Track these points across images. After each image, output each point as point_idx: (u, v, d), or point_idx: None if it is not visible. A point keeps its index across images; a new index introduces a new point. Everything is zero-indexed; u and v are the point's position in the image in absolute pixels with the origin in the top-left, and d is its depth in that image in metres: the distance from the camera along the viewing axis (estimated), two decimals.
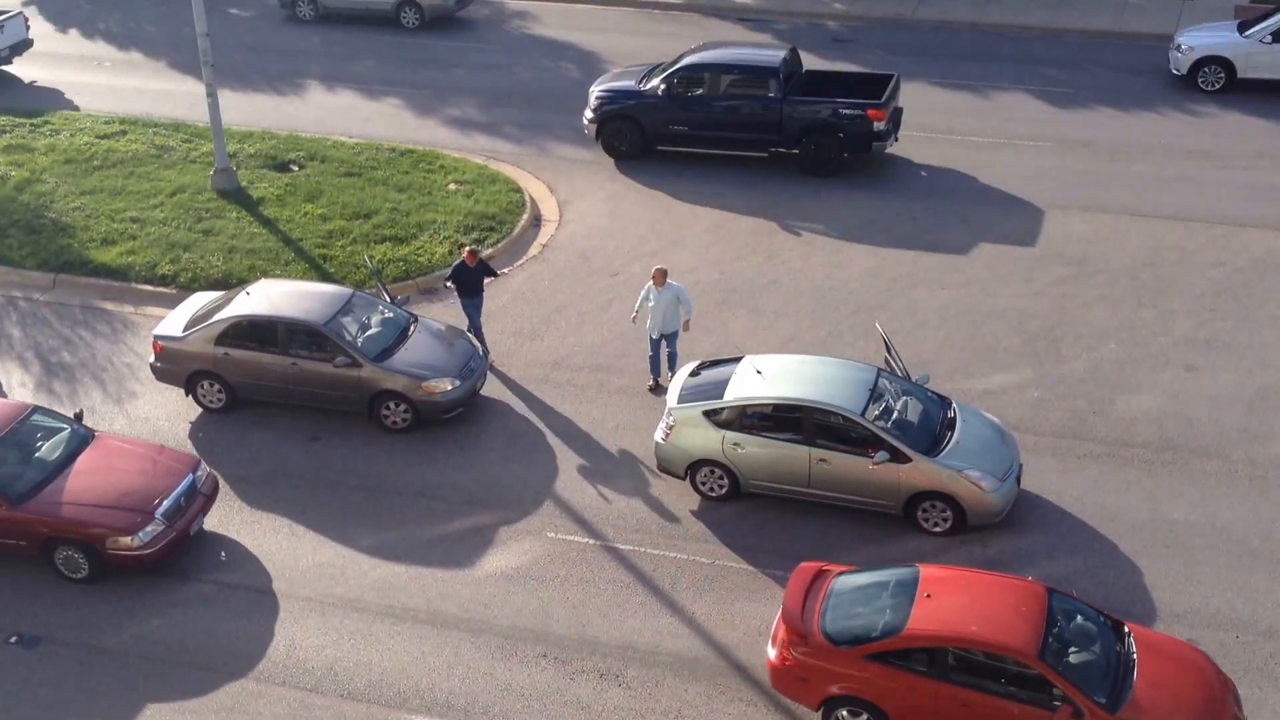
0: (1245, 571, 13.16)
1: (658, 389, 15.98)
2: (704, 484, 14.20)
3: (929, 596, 11.09)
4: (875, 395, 13.77)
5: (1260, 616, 12.63)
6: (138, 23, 28.51)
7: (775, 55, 20.68)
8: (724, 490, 14.13)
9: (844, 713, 11.17)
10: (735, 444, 13.84)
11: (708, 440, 13.91)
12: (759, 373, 14.14)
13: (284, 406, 15.83)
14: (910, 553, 13.46)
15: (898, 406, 13.84)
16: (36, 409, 13.78)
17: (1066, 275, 18.42)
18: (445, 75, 25.39)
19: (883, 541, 13.63)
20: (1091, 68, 25.32)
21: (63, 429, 13.73)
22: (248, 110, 23.86)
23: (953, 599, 11.03)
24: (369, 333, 15.54)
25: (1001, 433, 14.12)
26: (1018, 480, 13.78)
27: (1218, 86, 22.68)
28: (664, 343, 15.86)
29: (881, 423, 13.55)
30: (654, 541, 13.73)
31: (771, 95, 20.26)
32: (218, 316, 15.56)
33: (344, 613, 12.93)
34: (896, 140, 20.90)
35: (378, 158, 21.64)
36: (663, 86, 20.74)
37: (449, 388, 15.21)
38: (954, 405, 14.28)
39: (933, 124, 22.96)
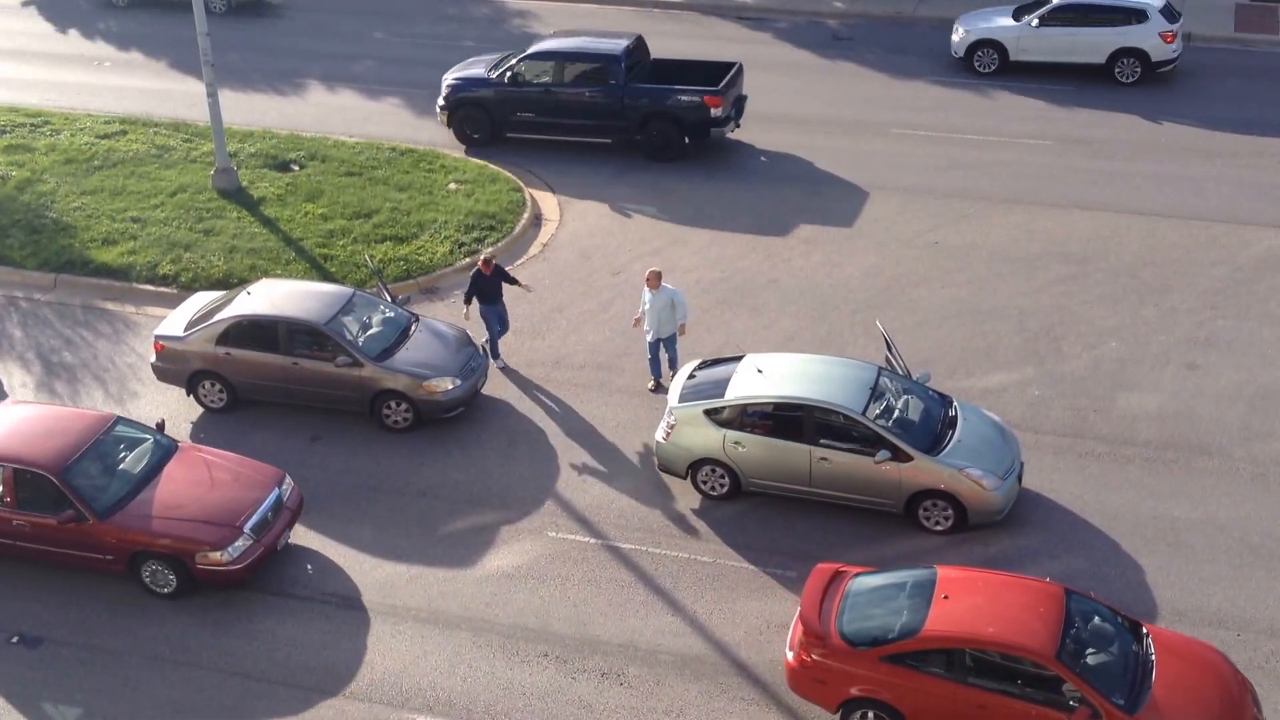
0: (1246, 569, 13.17)
1: (659, 389, 15.99)
2: (705, 483, 14.20)
3: (946, 598, 11.06)
4: (876, 394, 13.78)
5: (1262, 614, 12.64)
6: (138, 22, 28.51)
7: (618, 44, 21.00)
8: (725, 489, 14.14)
9: (862, 715, 11.13)
10: (736, 443, 13.84)
11: (709, 439, 13.91)
12: (760, 371, 14.14)
13: (285, 406, 15.84)
14: (912, 551, 13.47)
15: (899, 405, 13.84)
16: (120, 419, 13.48)
17: (1067, 274, 18.42)
18: (438, 74, 25.35)
19: (884, 540, 13.63)
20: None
21: (146, 440, 13.44)
22: (248, 110, 23.86)
23: (970, 600, 11.00)
24: (370, 332, 15.54)
25: (1003, 431, 14.12)
26: (1019, 479, 13.78)
27: (992, 69, 24.29)
28: (662, 346, 15.85)
29: (882, 421, 13.55)
30: (655, 540, 13.74)
31: (613, 83, 20.68)
32: (219, 316, 15.57)
33: (344, 612, 12.93)
34: (738, 126, 21.44)
35: (378, 157, 21.64)
36: (509, 75, 21.19)
37: (450, 387, 15.21)
38: (955, 403, 14.28)
39: (931, 123, 22.96)
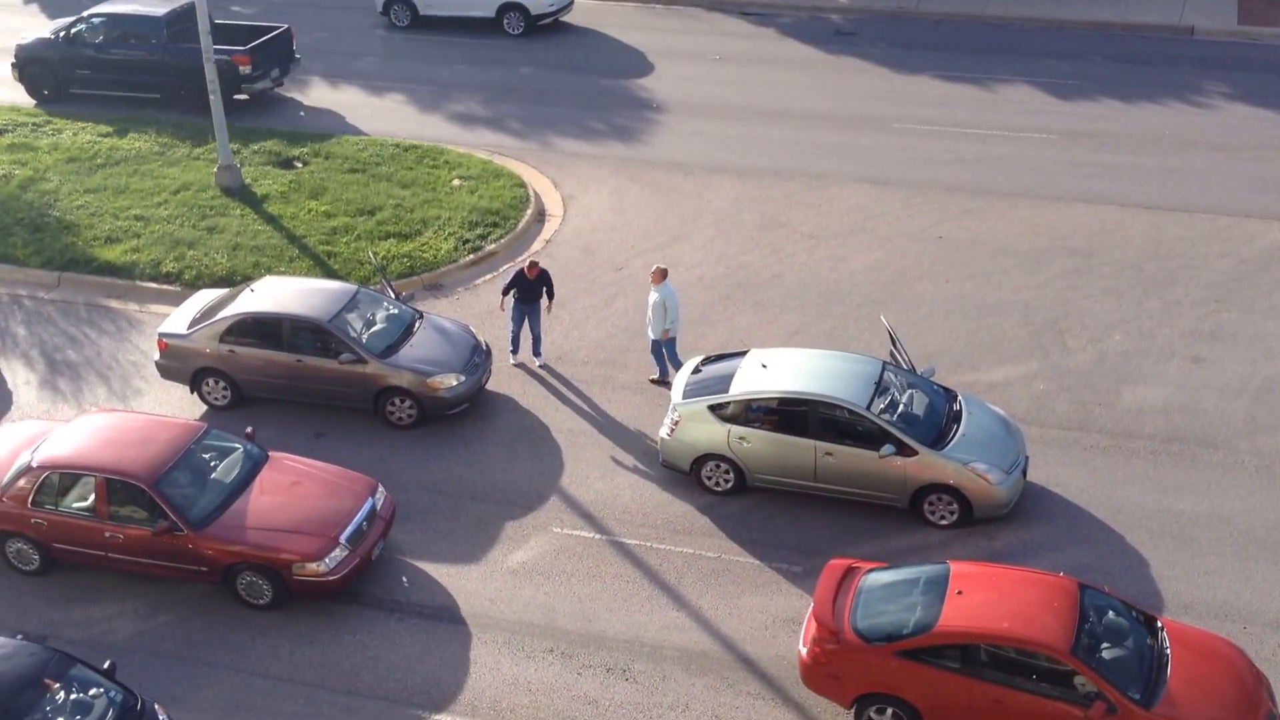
0: (1252, 562, 13.14)
1: (660, 381, 15.97)
2: (709, 478, 14.19)
3: (960, 593, 11.01)
4: (880, 388, 13.76)
5: (1267, 607, 12.61)
6: None
7: (161, 9, 23.21)
8: (729, 485, 14.13)
9: (876, 710, 11.11)
10: (741, 438, 13.83)
11: (713, 435, 13.90)
12: (764, 367, 14.12)
13: (289, 403, 15.84)
14: (917, 546, 13.45)
15: (903, 399, 13.81)
16: (211, 428, 13.29)
17: (1072, 267, 18.38)
18: (448, 70, 25.37)
19: (888, 535, 13.62)
20: (1095, 59, 25.26)
21: (236, 449, 13.22)
22: (251, 107, 23.85)
23: (984, 595, 10.95)
24: (374, 329, 15.54)
25: (1007, 425, 14.10)
26: (1024, 473, 13.76)
27: (406, 23, 26.65)
28: (663, 346, 15.77)
29: (887, 416, 13.53)
30: (660, 536, 13.73)
31: (154, 43, 22.97)
32: (222, 314, 15.57)
33: (348, 608, 12.93)
34: (281, 84, 23.63)
35: (381, 154, 21.63)
36: (70, 36, 23.37)
37: (454, 383, 15.20)
38: (960, 398, 14.26)
39: (935, 117, 22.92)
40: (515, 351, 16.46)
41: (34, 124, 22.81)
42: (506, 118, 23.25)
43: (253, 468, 13.12)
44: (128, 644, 12.58)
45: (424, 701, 11.92)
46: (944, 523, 13.65)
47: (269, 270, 18.34)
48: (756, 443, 13.78)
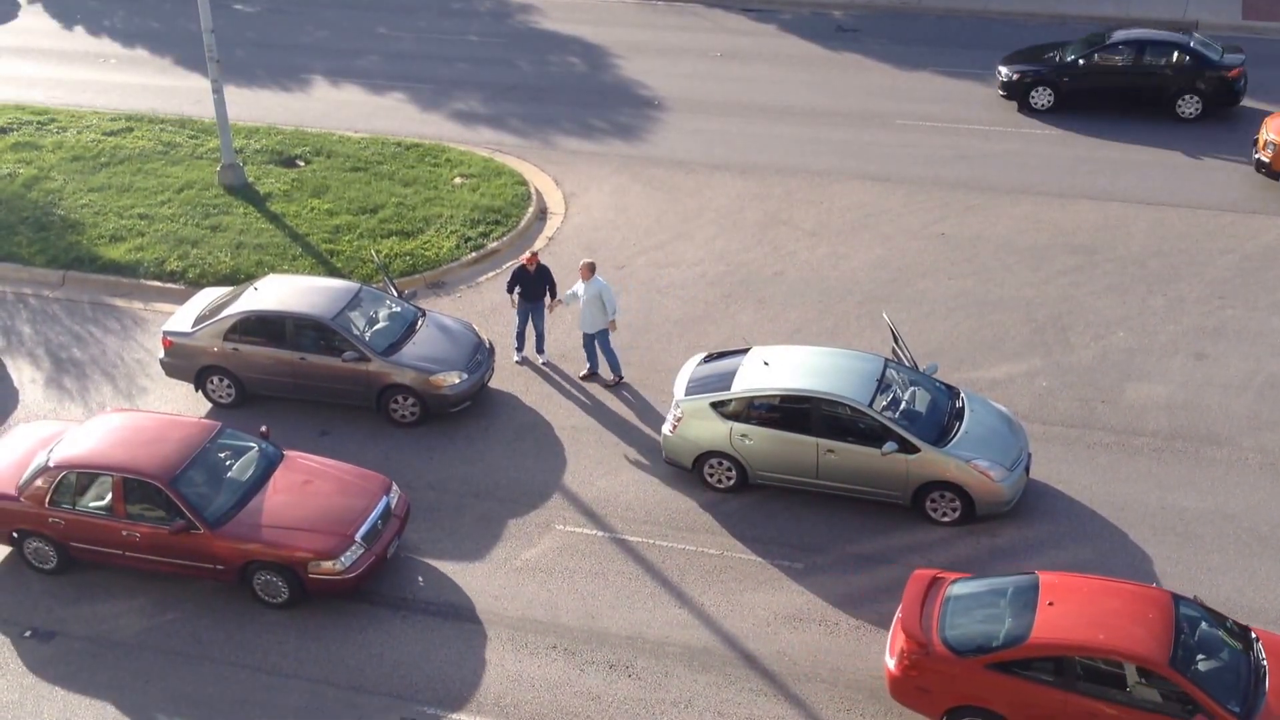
0: (1255, 559, 13.14)
1: (590, 376, 15.85)
2: (712, 475, 14.21)
3: (1051, 604, 10.80)
4: (883, 386, 13.76)
5: (1271, 604, 12.61)
6: (143, 19, 28.54)
7: None
8: (732, 482, 14.14)
9: None
10: (743, 435, 13.84)
11: (715, 432, 13.91)
12: (766, 364, 14.13)
13: (293, 401, 15.87)
14: (920, 543, 13.46)
15: (905, 397, 13.82)
16: (225, 428, 13.28)
17: (1074, 264, 18.36)
18: (449, 69, 25.39)
19: (891, 532, 13.63)
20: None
21: (251, 447, 13.22)
22: (253, 105, 23.89)
23: (1076, 606, 10.76)
24: (376, 327, 15.57)
25: (1010, 422, 14.10)
26: (1026, 469, 13.76)
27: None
28: (596, 342, 15.65)
29: (889, 413, 13.53)
30: (662, 533, 13.75)
31: None
32: (226, 312, 15.61)
33: (353, 604, 12.97)
34: None
35: (384, 152, 21.66)
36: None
37: (456, 381, 15.23)
38: (962, 395, 14.26)
39: (937, 113, 22.90)
40: (520, 349, 16.49)
41: (38, 122, 22.86)
42: (507, 116, 23.26)
43: (268, 466, 13.12)
44: (135, 640, 12.63)
45: (428, 697, 11.95)
46: (946, 520, 13.65)
47: (272, 269, 18.38)
48: (758, 440, 13.79)
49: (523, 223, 19.74)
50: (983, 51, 25.54)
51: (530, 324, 16.45)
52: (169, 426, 13.20)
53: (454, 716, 11.75)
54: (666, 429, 14.23)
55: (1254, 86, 23.52)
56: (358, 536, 12.55)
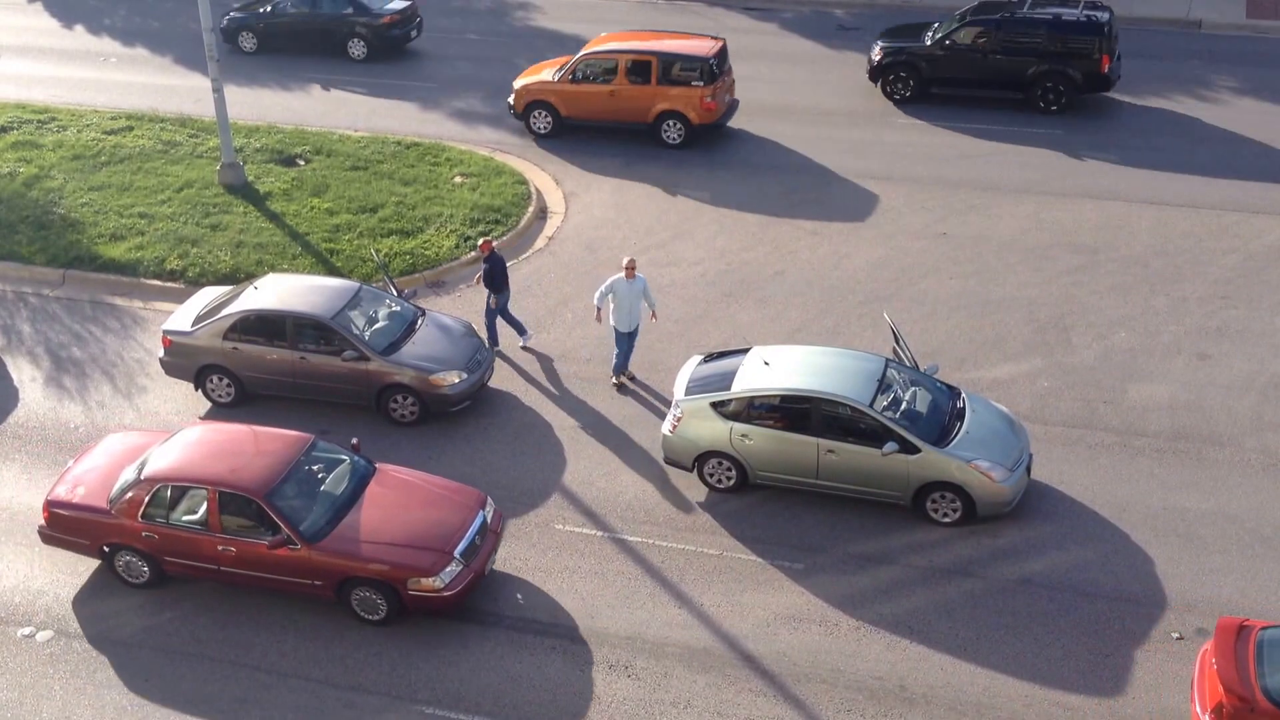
0: (1258, 560, 13.08)
1: (631, 379, 15.90)
2: (712, 475, 14.17)
3: None
4: (883, 386, 13.72)
5: (1273, 606, 12.55)
6: (143, 18, 28.53)
7: None
8: (732, 482, 14.10)
9: None
10: (743, 435, 13.80)
11: (715, 432, 13.88)
12: (766, 364, 14.09)
13: (293, 400, 15.85)
14: (920, 544, 13.42)
15: (906, 397, 13.78)
16: (318, 440, 13.03)
17: (1077, 264, 18.31)
18: (449, 68, 25.35)
19: (891, 533, 13.59)
20: None
21: (343, 460, 12.94)
22: (253, 105, 23.87)
23: None
24: (376, 326, 15.54)
25: (1011, 422, 14.05)
26: (1028, 470, 13.71)
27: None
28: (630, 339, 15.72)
29: (890, 413, 13.49)
30: (662, 533, 13.72)
31: None
32: (226, 311, 15.58)
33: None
34: None
35: (384, 151, 21.64)
36: None
37: (456, 380, 15.20)
38: (963, 395, 14.22)
39: (938, 113, 22.83)
40: (524, 334, 16.54)
41: (39, 121, 22.86)
42: (507, 115, 23.23)
43: (361, 480, 12.83)
44: (134, 639, 12.61)
45: (427, 697, 11.92)
46: (947, 520, 13.61)
47: (272, 268, 18.35)
48: (759, 440, 13.75)
49: (523, 222, 19.70)
50: None
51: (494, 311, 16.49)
52: (262, 439, 12.88)
53: (453, 716, 11.72)
54: (666, 429, 14.19)
55: (1257, 86, 23.47)
56: (457, 553, 12.26)
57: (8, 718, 11.84)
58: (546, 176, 21.17)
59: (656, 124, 21.35)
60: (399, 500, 12.68)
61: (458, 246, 18.98)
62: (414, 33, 25.67)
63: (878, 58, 22.17)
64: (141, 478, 12.68)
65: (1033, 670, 11.96)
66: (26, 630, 12.76)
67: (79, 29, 28.07)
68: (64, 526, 12.94)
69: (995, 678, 11.91)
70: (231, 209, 19.96)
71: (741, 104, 23.39)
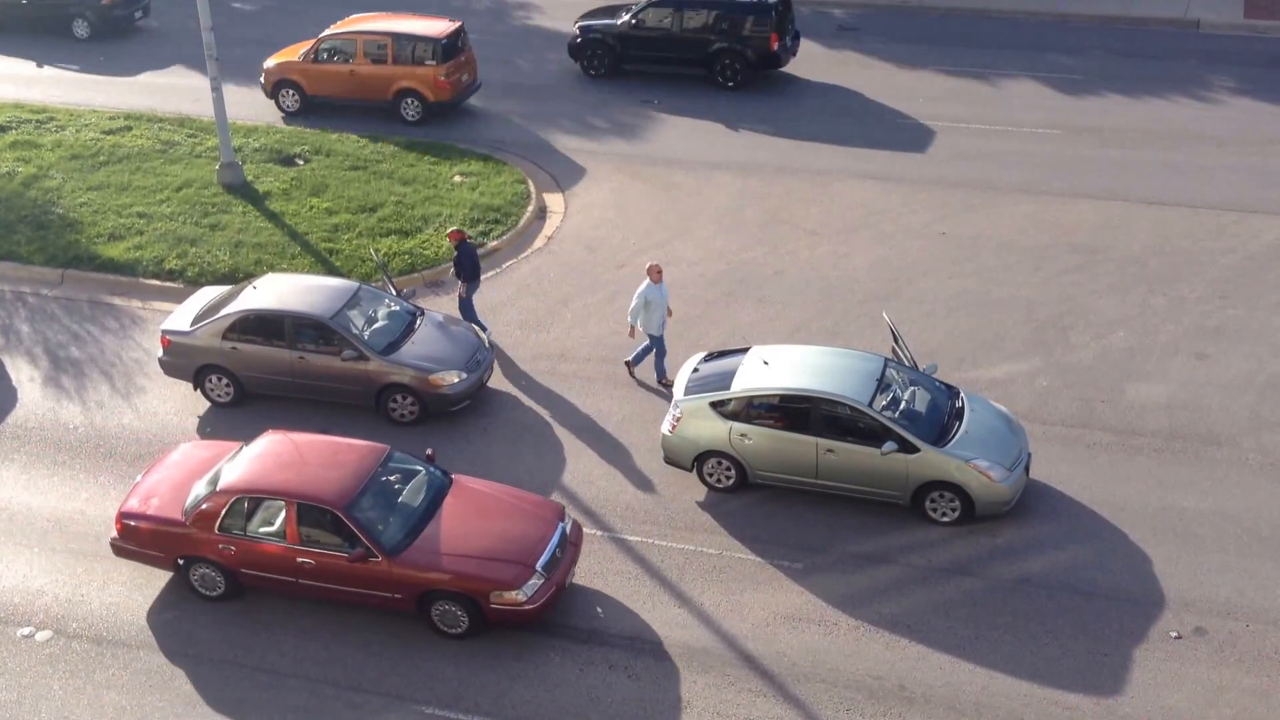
0: (1255, 559, 13.11)
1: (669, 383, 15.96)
2: (711, 475, 14.18)
3: None
4: (883, 385, 13.73)
5: (1270, 605, 12.58)
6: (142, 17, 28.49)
7: None
8: (731, 481, 14.12)
9: None
10: (742, 435, 13.82)
11: (715, 431, 13.89)
12: (766, 363, 14.11)
13: (292, 400, 15.85)
14: (919, 542, 13.44)
15: (905, 396, 13.79)
16: (394, 450, 12.82)
17: (1075, 264, 18.33)
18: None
19: (890, 532, 13.61)
20: (1100, 53, 25.17)
21: (418, 471, 12.79)
22: (252, 104, 23.86)
23: None
24: (375, 326, 15.55)
25: (1010, 422, 14.07)
26: (1026, 469, 13.73)
27: None
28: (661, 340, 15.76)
29: (889, 413, 13.51)
30: (661, 533, 13.73)
31: None
32: (225, 311, 15.58)
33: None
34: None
35: (383, 150, 21.63)
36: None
37: (455, 380, 15.21)
38: (962, 395, 14.23)
39: (938, 112, 22.86)
40: (483, 330, 16.67)
41: (37, 121, 22.84)
42: (507, 114, 23.22)
43: (438, 491, 12.70)
44: (133, 640, 12.61)
45: (427, 697, 11.93)
46: (945, 520, 13.63)
47: (271, 267, 18.35)
48: (758, 439, 13.77)
49: (522, 221, 19.71)
50: (984, 50, 25.50)
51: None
52: (338, 450, 12.69)
53: (453, 716, 11.73)
54: (666, 429, 14.20)
55: (1254, 86, 23.49)
56: (539, 566, 12.12)
57: (7, 718, 11.85)
58: (546, 176, 21.18)
59: (395, 101, 22.43)
60: (478, 512, 12.50)
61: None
62: (139, 14, 26.74)
63: (576, 37, 23.94)
64: (218, 489, 12.45)
65: (1031, 669, 11.98)
66: (26, 630, 12.76)
67: None
68: (137, 539, 12.75)
69: (994, 676, 11.93)
70: (230, 209, 19.96)
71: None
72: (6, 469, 14.92)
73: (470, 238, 16.62)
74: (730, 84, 23.05)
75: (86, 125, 22.67)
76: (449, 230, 16.57)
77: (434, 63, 21.97)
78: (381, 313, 15.76)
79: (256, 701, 11.94)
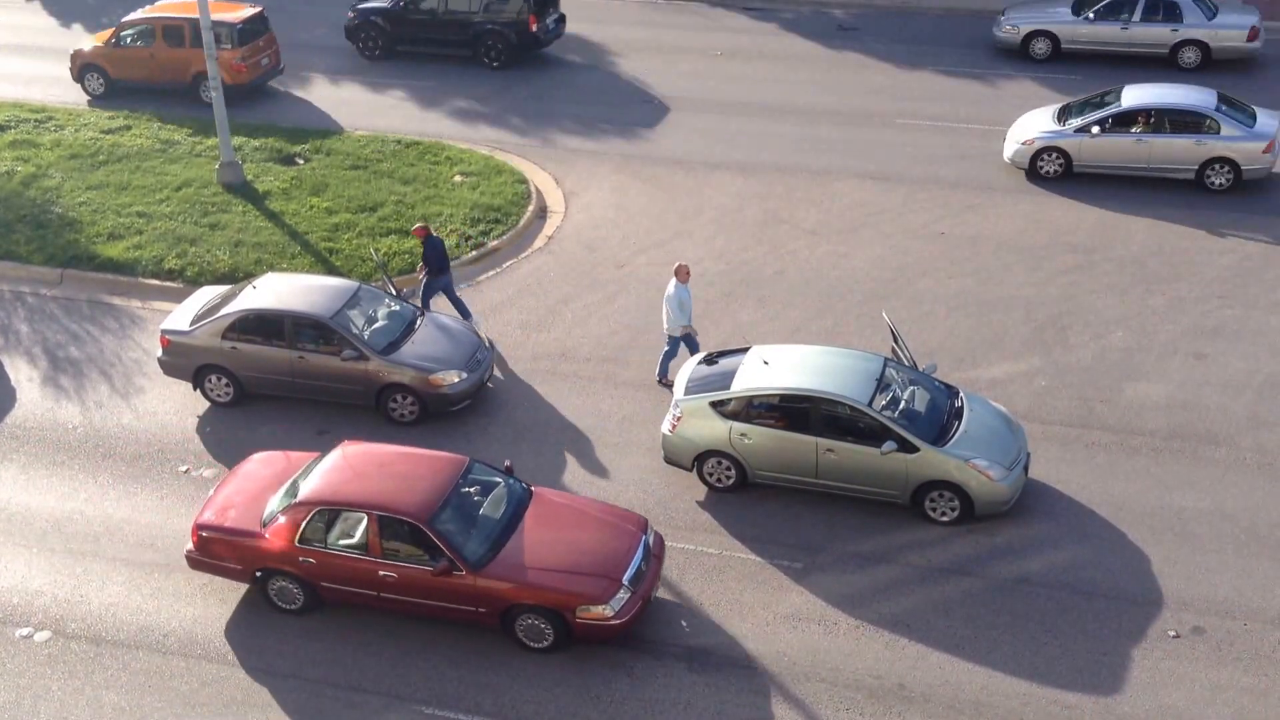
0: (1253, 559, 13.13)
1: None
2: (711, 475, 14.20)
3: None
4: (882, 385, 13.75)
5: (1268, 604, 12.61)
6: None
7: None
8: (731, 481, 14.13)
9: None
10: (742, 434, 13.83)
11: (715, 431, 13.91)
12: (766, 363, 14.12)
13: (291, 400, 15.86)
14: (918, 542, 13.46)
15: (905, 396, 13.82)
16: (474, 462, 12.67)
17: (1074, 264, 18.36)
18: (449, 66, 25.35)
19: (890, 532, 13.63)
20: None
21: (498, 483, 12.62)
22: (252, 103, 23.85)
23: None
24: (375, 326, 15.56)
25: (1009, 421, 14.10)
26: (1025, 469, 13.76)
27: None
28: (682, 344, 15.71)
29: (888, 412, 13.53)
30: (662, 532, 13.73)
31: None
32: (225, 310, 15.59)
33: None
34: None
35: (383, 150, 21.64)
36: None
37: (456, 380, 15.22)
38: (961, 394, 14.26)
39: (938, 112, 22.88)
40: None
41: (36, 120, 22.83)
42: (507, 113, 23.25)
43: (519, 503, 12.53)
44: (132, 640, 12.62)
45: (427, 697, 11.94)
46: (945, 519, 13.65)
47: (271, 267, 18.36)
48: (758, 439, 13.79)
49: (522, 221, 19.72)
50: (983, 51, 25.52)
51: (444, 300, 16.66)
52: (418, 461, 12.52)
53: (453, 716, 11.74)
54: (665, 429, 14.22)
55: (1254, 87, 23.51)
56: (625, 580, 11.94)
57: (6, 718, 11.85)
58: (546, 176, 21.19)
59: (194, 84, 23.32)
60: (560, 525, 12.33)
61: (458, 246, 18.98)
62: None
63: (353, 19, 24.86)
64: (298, 500, 12.28)
65: (1030, 668, 12.01)
66: (24, 631, 12.77)
67: (76, 28, 28.03)
68: (214, 551, 12.56)
69: (993, 676, 11.95)
70: (230, 208, 19.96)
71: (741, 104, 23.40)
72: (5, 469, 14.92)
73: (434, 230, 16.90)
74: (495, 64, 24.19)
75: (86, 124, 22.66)
76: (414, 227, 16.80)
77: (229, 46, 22.78)
78: (381, 312, 15.77)
79: (256, 702, 11.95)
